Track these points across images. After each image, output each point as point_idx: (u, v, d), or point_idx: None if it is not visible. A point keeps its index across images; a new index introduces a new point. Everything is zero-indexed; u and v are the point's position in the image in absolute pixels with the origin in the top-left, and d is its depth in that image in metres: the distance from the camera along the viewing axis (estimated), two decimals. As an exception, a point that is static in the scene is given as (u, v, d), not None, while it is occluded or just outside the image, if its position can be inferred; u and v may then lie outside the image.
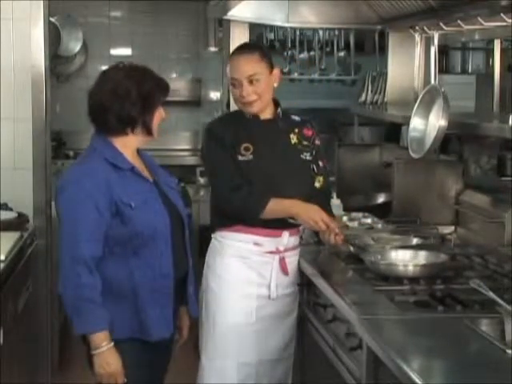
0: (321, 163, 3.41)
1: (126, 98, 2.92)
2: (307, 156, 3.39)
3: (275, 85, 3.33)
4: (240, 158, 3.27)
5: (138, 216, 2.91)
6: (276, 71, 3.33)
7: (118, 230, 2.90)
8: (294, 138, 3.39)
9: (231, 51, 3.50)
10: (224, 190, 3.28)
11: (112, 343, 2.89)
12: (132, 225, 2.90)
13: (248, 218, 3.27)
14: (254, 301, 3.33)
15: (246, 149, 3.28)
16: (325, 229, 3.22)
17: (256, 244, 3.31)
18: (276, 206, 3.22)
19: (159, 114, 3.01)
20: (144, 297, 2.94)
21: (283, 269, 3.35)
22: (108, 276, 2.90)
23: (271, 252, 3.33)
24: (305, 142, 3.40)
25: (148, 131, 3.00)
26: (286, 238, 3.34)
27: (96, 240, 2.87)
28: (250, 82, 3.25)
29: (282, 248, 3.34)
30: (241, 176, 3.25)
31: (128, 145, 3.00)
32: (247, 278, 3.33)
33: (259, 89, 3.27)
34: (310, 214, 3.22)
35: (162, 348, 3.06)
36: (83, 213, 2.86)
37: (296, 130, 3.40)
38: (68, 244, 2.88)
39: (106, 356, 2.89)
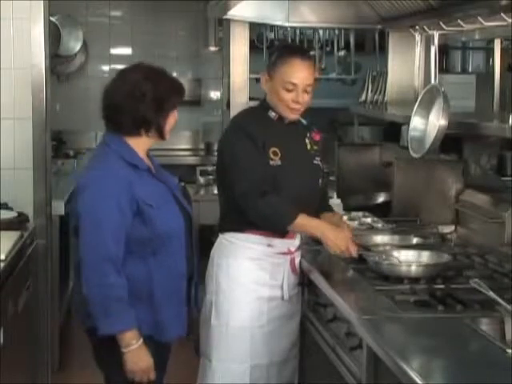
0: (320, 164, 3.42)
1: (142, 100, 2.91)
2: (318, 161, 3.39)
3: None
4: (271, 162, 3.22)
5: (158, 217, 2.91)
6: None
7: (138, 230, 2.89)
8: (308, 144, 3.38)
9: (231, 50, 3.46)
10: (252, 195, 3.15)
11: (141, 340, 2.89)
12: (152, 225, 2.90)
13: (274, 227, 3.23)
14: (266, 302, 3.32)
15: (275, 153, 3.24)
16: (347, 255, 3.19)
17: (269, 246, 3.30)
18: (304, 222, 3.18)
19: (173, 116, 3.00)
20: (161, 297, 2.94)
21: (293, 269, 3.36)
22: (126, 275, 2.88)
23: (283, 253, 3.33)
24: (315, 147, 3.41)
25: (161, 134, 2.99)
26: (298, 239, 3.36)
27: (120, 239, 2.86)
28: (305, 90, 3.24)
29: (293, 249, 3.35)
30: (269, 181, 3.19)
31: (140, 145, 2.99)
32: (260, 279, 3.31)
33: (308, 98, 3.28)
34: (338, 240, 3.15)
35: (169, 348, 3.09)
36: (107, 212, 2.85)
37: (308, 135, 3.41)
38: (92, 244, 2.86)
39: (138, 353, 2.90)
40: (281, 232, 3.25)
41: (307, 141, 3.39)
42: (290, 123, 3.33)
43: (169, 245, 2.94)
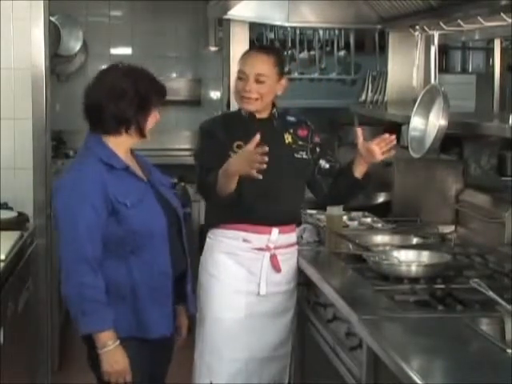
0: (307, 158, 3.42)
1: (123, 98, 2.92)
2: (303, 155, 3.42)
3: (279, 93, 3.40)
4: (232, 155, 3.27)
5: (134, 215, 2.91)
6: (284, 81, 3.40)
7: (113, 230, 2.90)
8: (288, 138, 3.42)
9: (231, 50, 3.52)
10: (197, 182, 3.37)
11: (118, 341, 2.89)
12: (127, 224, 2.90)
13: (212, 198, 3.29)
14: (243, 297, 3.34)
15: (239, 147, 3.30)
16: (258, 162, 3.02)
17: (245, 240, 3.33)
18: (221, 176, 3.17)
19: (154, 116, 3.00)
20: (143, 295, 2.94)
21: (275, 266, 3.36)
22: (107, 275, 2.90)
23: (260, 249, 3.34)
24: (300, 142, 3.44)
25: (141, 132, 2.99)
26: (276, 236, 3.35)
27: (96, 240, 2.87)
28: (257, 80, 3.30)
29: (271, 245, 3.35)
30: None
31: (121, 144, 3.00)
32: (236, 274, 3.35)
33: (262, 90, 3.31)
34: (241, 161, 3.08)
35: (162, 346, 3.06)
36: (81, 213, 2.86)
37: (291, 130, 3.45)
38: (69, 245, 2.88)
39: (113, 354, 2.89)
40: (215, 198, 3.24)
41: (287, 135, 3.42)
42: (265, 119, 3.40)
43: (149, 243, 2.93)
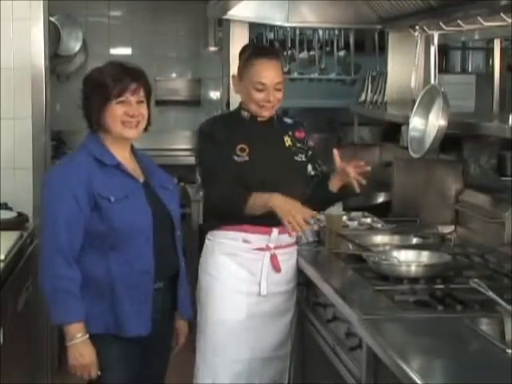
0: (309, 168, 3.46)
1: (86, 91, 2.99)
2: (302, 157, 3.44)
3: None
4: (236, 158, 3.29)
5: (116, 211, 2.90)
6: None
7: (96, 224, 2.90)
8: (288, 141, 3.44)
9: (230, 50, 3.50)
10: (213, 188, 3.31)
11: (87, 335, 2.89)
12: (109, 219, 2.90)
13: (234, 213, 3.27)
14: (244, 297, 3.34)
15: (242, 150, 3.31)
16: (297, 227, 3.14)
17: (245, 241, 3.33)
18: (256, 201, 3.21)
19: (119, 107, 2.95)
20: (121, 292, 2.93)
21: (275, 266, 3.36)
22: (86, 270, 2.91)
23: (260, 249, 3.34)
24: (298, 144, 3.45)
25: (99, 126, 2.98)
26: (276, 236, 3.35)
27: (75, 233, 2.89)
28: (275, 88, 3.31)
29: (271, 245, 3.35)
30: (234, 176, 3.24)
31: (114, 141, 3.00)
32: (237, 274, 3.34)
33: (279, 95, 3.35)
34: (288, 207, 3.15)
35: (143, 346, 3.01)
36: (63, 206, 2.88)
37: (290, 133, 3.46)
38: (48, 236, 2.92)
39: (80, 347, 2.89)
40: (238, 215, 3.25)
41: (286, 138, 3.44)
42: (265, 121, 3.40)
43: (130, 241, 2.92)
